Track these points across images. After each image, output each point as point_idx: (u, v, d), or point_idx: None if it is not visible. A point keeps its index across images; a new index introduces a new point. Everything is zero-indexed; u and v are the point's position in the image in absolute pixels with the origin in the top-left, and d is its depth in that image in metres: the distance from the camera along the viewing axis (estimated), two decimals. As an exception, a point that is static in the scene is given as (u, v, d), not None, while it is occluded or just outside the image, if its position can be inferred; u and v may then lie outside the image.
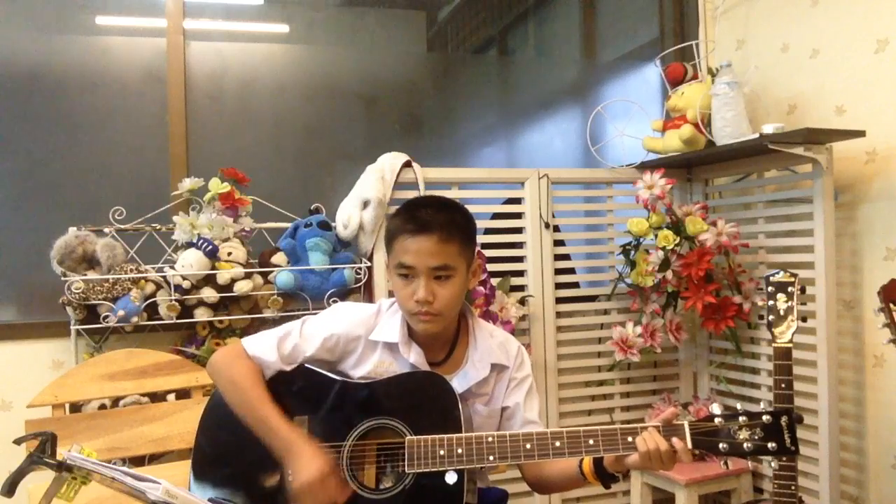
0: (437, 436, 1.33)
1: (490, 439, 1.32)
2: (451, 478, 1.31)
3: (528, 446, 1.31)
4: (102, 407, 2.00)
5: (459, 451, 1.32)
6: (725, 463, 1.29)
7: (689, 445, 1.27)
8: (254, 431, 1.39)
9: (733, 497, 2.43)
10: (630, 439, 1.28)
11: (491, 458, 1.31)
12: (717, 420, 1.27)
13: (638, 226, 2.39)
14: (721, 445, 1.26)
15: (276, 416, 1.37)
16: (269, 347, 1.46)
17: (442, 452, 1.32)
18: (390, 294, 1.99)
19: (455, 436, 1.33)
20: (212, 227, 2.16)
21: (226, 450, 1.44)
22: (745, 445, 1.25)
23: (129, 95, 2.43)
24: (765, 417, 1.25)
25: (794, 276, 1.74)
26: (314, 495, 1.29)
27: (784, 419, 1.25)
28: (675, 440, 1.26)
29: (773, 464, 1.31)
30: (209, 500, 1.39)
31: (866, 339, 2.24)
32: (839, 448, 2.20)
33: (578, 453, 1.30)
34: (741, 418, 1.26)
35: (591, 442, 1.30)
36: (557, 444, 1.31)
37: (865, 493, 2.24)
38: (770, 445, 1.24)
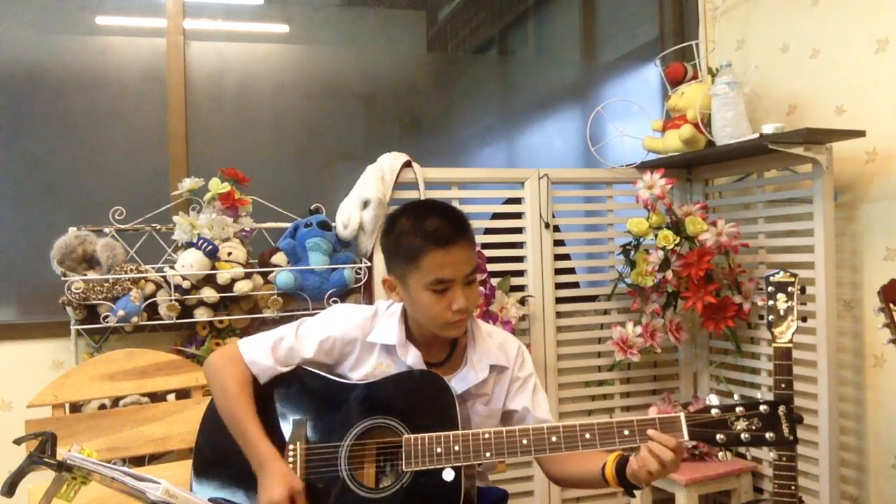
0: (433, 433, 1.33)
1: (486, 436, 1.32)
2: (448, 475, 1.31)
3: (525, 442, 1.31)
4: (102, 407, 2.00)
5: (456, 448, 1.32)
6: (724, 454, 1.28)
7: (686, 437, 1.26)
8: (235, 441, 1.39)
9: (733, 497, 2.43)
10: (626, 433, 1.28)
11: (488, 454, 1.31)
12: (713, 411, 1.26)
13: (638, 226, 2.38)
14: (718, 437, 1.24)
15: (255, 430, 1.37)
16: (265, 351, 1.46)
17: (439, 450, 1.32)
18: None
19: (452, 433, 1.33)
20: (212, 227, 2.16)
21: (227, 450, 1.44)
22: (742, 436, 1.23)
23: (129, 95, 2.43)
24: (762, 407, 1.24)
25: (794, 276, 1.74)
26: None
27: (782, 409, 1.23)
28: (654, 446, 1.25)
29: (772, 454, 1.29)
30: (210, 500, 1.39)
31: (866, 339, 2.24)
32: (839, 448, 2.20)
33: (575, 448, 1.30)
34: (738, 409, 1.25)
35: (587, 436, 1.30)
36: (553, 439, 1.31)
37: (865, 493, 2.24)
38: (768, 436, 1.23)
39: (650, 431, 1.26)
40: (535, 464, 1.60)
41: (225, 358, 1.47)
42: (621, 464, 1.33)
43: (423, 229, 1.37)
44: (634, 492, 1.35)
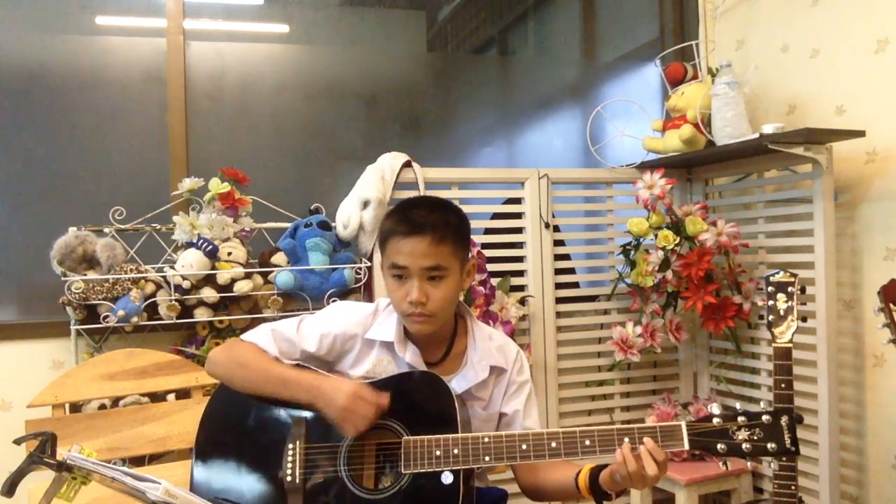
0: (433, 436, 1.33)
1: (486, 440, 1.32)
2: (447, 478, 1.31)
3: (524, 447, 1.31)
4: (102, 407, 2.00)
5: (455, 451, 1.32)
6: (725, 464, 1.28)
7: (687, 446, 1.26)
8: (275, 396, 1.41)
9: (733, 497, 2.43)
10: (626, 440, 1.28)
11: (487, 458, 1.31)
12: (715, 420, 1.26)
13: (638, 226, 2.38)
14: (719, 446, 1.24)
15: (291, 370, 1.41)
16: (268, 340, 1.48)
17: (438, 453, 1.32)
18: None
19: (451, 436, 1.33)
20: (212, 227, 2.16)
21: (227, 449, 1.44)
22: (744, 446, 1.24)
23: (129, 95, 2.43)
24: (764, 417, 1.24)
25: (794, 276, 1.74)
26: (355, 413, 1.31)
27: (784, 419, 1.24)
28: (643, 451, 1.25)
29: (772, 464, 1.30)
30: (209, 499, 1.39)
31: (866, 339, 2.24)
32: (839, 448, 2.20)
33: (574, 454, 1.30)
34: (740, 418, 1.25)
35: (587, 443, 1.29)
36: (553, 444, 1.30)
37: (865, 493, 2.24)
38: (770, 446, 1.23)
39: (646, 439, 1.26)
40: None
41: (226, 345, 1.52)
42: (595, 471, 1.34)
43: (397, 215, 1.43)
44: (616, 497, 1.36)
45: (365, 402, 1.32)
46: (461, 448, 1.32)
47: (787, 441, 1.23)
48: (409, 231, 1.39)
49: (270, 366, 1.43)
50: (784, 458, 1.23)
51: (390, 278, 1.43)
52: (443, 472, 1.31)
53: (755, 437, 1.24)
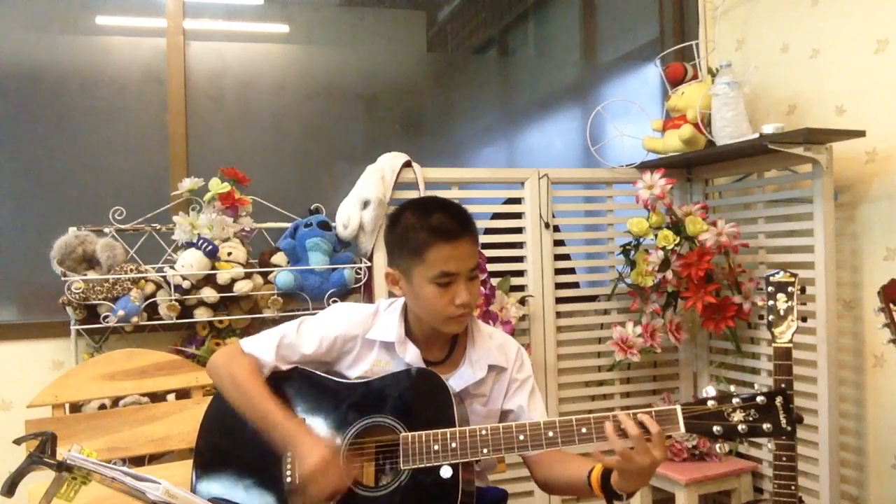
0: (430, 431, 1.33)
1: (483, 432, 1.32)
2: (446, 472, 1.31)
3: (521, 437, 1.31)
4: (102, 407, 2.00)
5: (453, 445, 1.32)
6: (722, 446, 1.27)
7: (683, 430, 1.25)
8: (255, 426, 1.39)
9: (733, 497, 2.43)
10: (623, 427, 1.27)
11: (485, 450, 1.31)
12: (710, 403, 1.25)
13: (638, 226, 2.38)
14: (715, 428, 1.23)
15: (276, 410, 1.38)
16: (267, 347, 1.48)
17: (436, 447, 1.32)
18: (390, 294, 1.99)
19: (449, 430, 1.33)
20: (212, 227, 2.16)
21: (228, 450, 1.44)
22: (739, 427, 1.23)
23: (129, 95, 2.43)
24: (759, 398, 1.23)
25: (794, 276, 1.74)
26: (317, 482, 1.29)
27: (779, 399, 1.22)
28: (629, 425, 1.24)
29: (770, 444, 1.29)
30: (210, 500, 1.39)
31: (866, 339, 2.24)
32: (839, 448, 2.20)
33: (571, 442, 1.30)
34: (735, 400, 1.24)
35: (583, 430, 1.29)
36: (550, 434, 1.31)
37: (865, 493, 2.24)
38: (765, 426, 1.22)
39: (640, 413, 1.26)
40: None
41: (228, 355, 1.50)
42: (608, 470, 1.33)
43: (429, 223, 1.40)
44: (627, 498, 1.35)
45: (331, 475, 1.29)
46: (459, 441, 1.32)
47: (783, 421, 1.21)
48: (450, 236, 1.39)
49: (259, 397, 1.40)
50: (782, 438, 1.21)
51: (433, 286, 1.40)
52: (442, 466, 1.31)
53: (750, 418, 1.22)
